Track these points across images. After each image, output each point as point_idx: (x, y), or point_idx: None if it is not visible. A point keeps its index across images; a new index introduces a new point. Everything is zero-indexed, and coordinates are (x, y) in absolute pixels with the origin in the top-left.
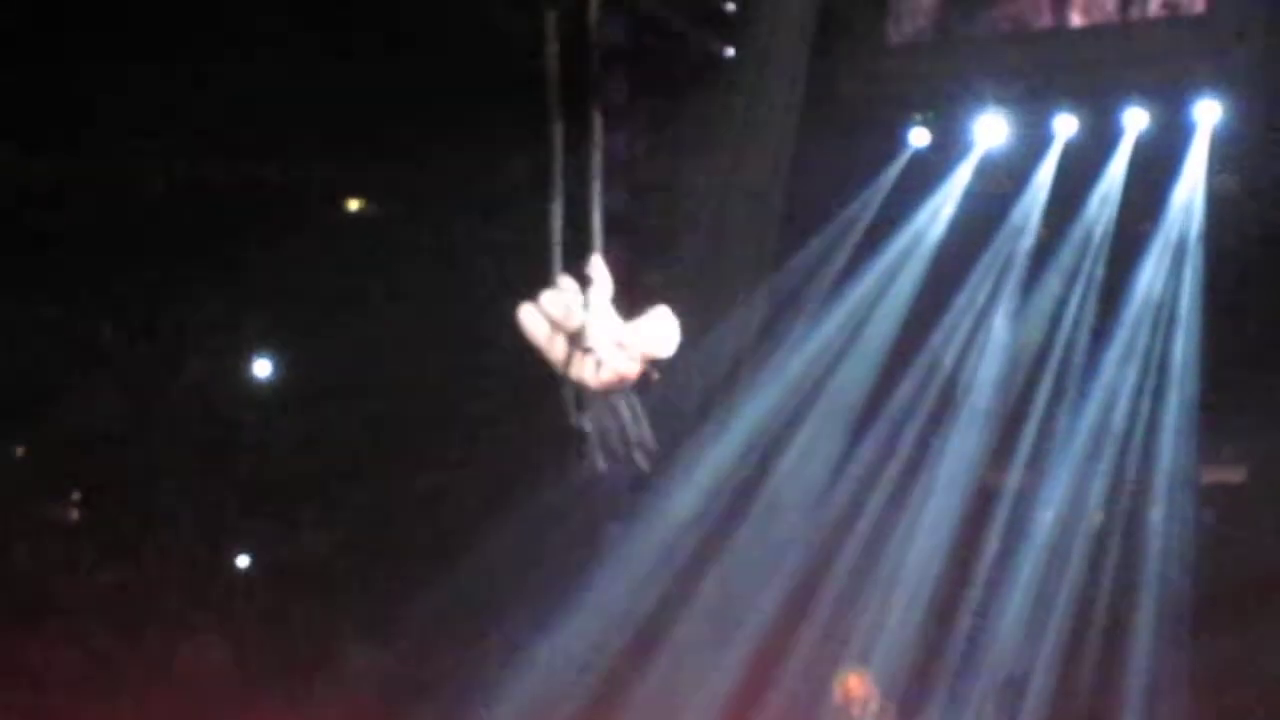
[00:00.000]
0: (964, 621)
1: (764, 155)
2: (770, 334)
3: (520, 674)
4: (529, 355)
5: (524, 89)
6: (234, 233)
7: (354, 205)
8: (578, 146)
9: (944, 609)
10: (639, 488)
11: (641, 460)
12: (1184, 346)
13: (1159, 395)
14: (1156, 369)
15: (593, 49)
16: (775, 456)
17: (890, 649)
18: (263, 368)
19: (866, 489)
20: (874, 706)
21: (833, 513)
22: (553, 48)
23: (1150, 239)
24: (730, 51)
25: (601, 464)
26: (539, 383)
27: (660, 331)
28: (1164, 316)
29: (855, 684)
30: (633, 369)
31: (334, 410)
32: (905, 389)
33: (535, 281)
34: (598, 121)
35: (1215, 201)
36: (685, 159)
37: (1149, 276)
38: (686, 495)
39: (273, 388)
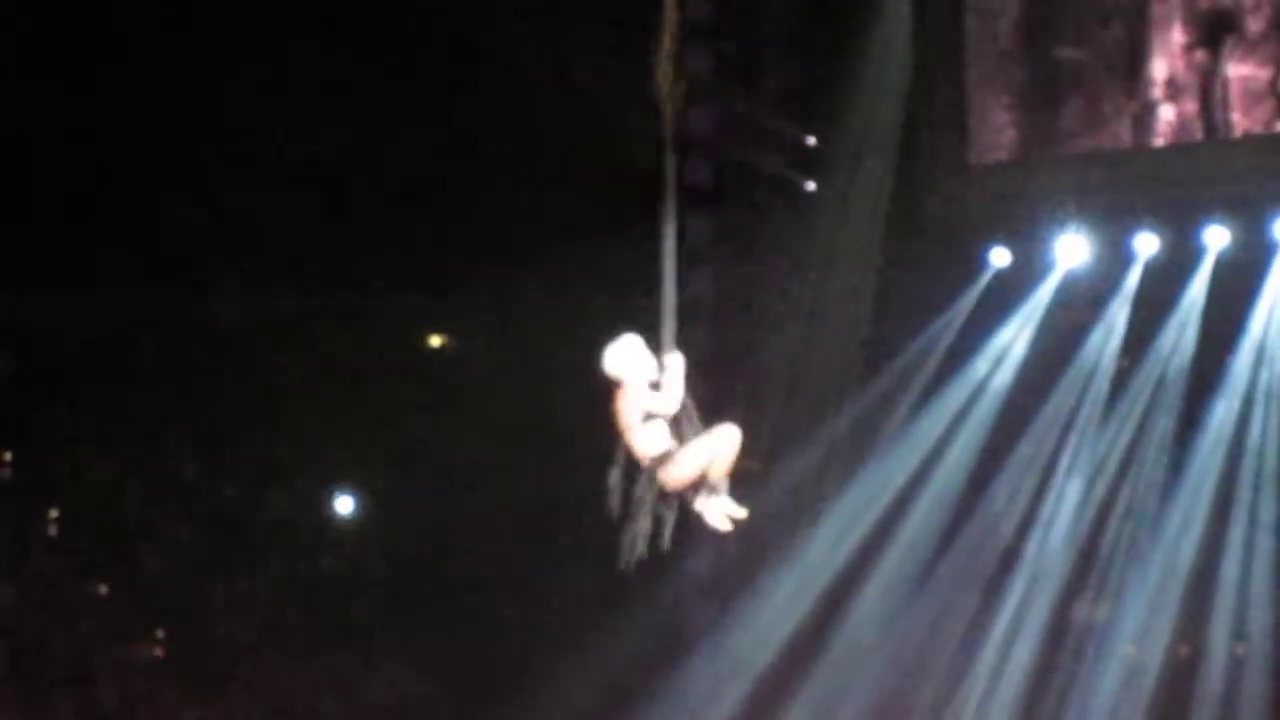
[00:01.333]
0: None
1: (846, 281)
2: (849, 458)
3: None
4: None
5: (601, 229)
6: (316, 367)
7: (435, 341)
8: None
9: None
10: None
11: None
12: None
13: (1237, 525)
14: (1233, 499)
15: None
16: (854, 585)
17: None
18: (344, 503)
19: (945, 620)
20: None
21: (910, 649)
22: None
23: (1229, 362)
24: (812, 185)
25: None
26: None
27: (722, 448)
28: (1243, 442)
29: None
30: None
31: (416, 545)
32: (982, 518)
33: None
34: (670, 219)
35: None
36: (767, 291)
37: (1226, 405)
38: (763, 625)
39: (355, 522)
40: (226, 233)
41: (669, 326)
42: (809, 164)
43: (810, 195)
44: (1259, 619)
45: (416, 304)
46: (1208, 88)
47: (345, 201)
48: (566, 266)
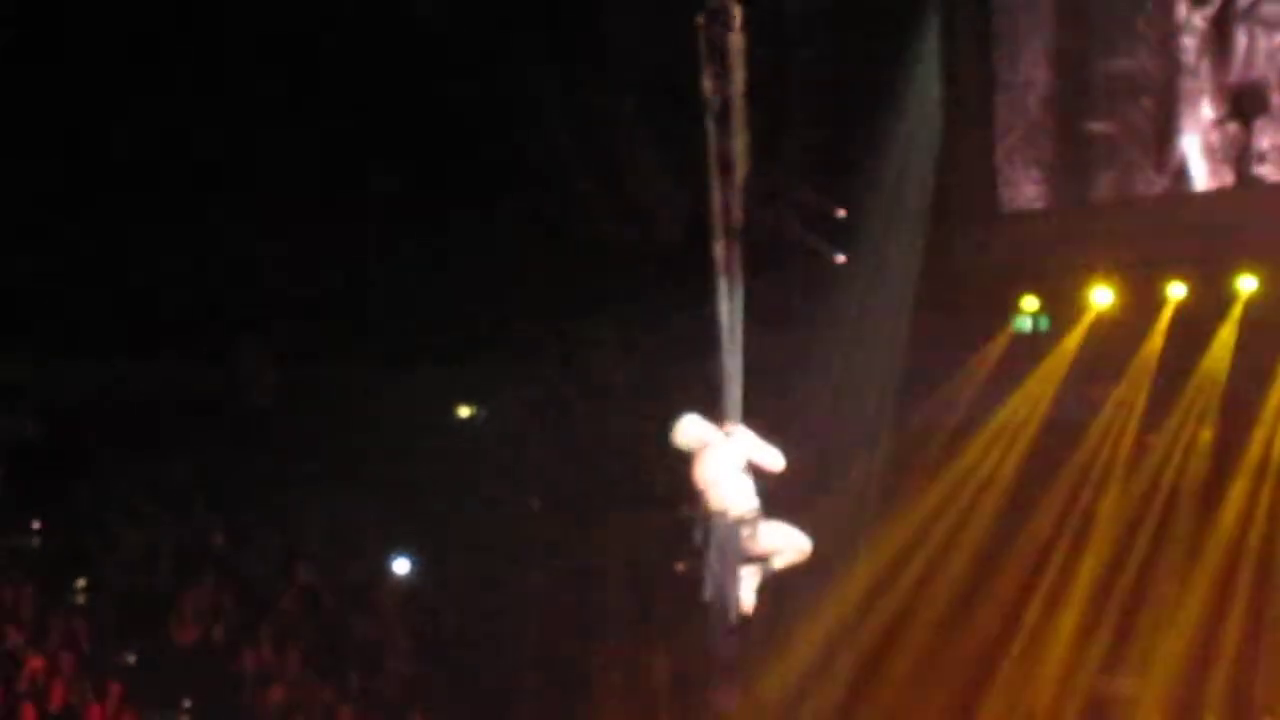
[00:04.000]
0: None
1: (875, 353)
2: (881, 505)
3: None
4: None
5: (626, 296)
6: (343, 438)
7: (464, 411)
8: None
9: None
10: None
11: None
12: None
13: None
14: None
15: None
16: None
17: None
18: (373, 571)
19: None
20: None
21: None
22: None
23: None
24: (842, 258)
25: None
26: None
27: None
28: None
29: None
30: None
31: (446, 614)
32: (1010, 571)
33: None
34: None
35: None
36: (796, 363)
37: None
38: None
39: (385, 592)
40: (254, 304)
41: (734, 395)
42: (838, 235)
43: (839, 267)
44: None
45: (447, 374)
46: (1241, 159)
47: (370, 273)
48: (597, 337)
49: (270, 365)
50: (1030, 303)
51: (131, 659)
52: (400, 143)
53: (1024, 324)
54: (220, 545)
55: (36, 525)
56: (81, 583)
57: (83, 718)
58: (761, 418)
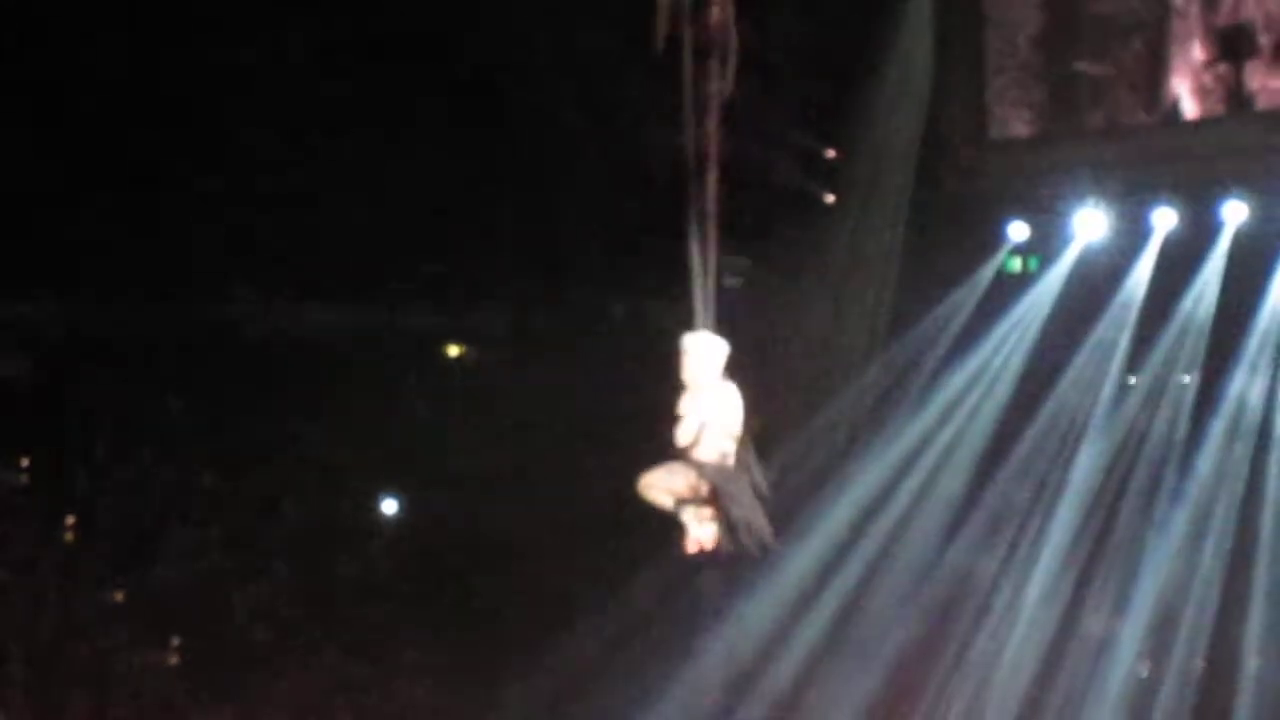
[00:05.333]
0: None
1: (864, 295)
2: (870, 430)
3: None
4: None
5: (620, 233)
6: (334, 377)
7: (454, 351)
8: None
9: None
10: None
11: (756, 549)
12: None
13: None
14: (1249, 494)
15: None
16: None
17: None
18: (364, 511)
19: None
20: None
21: (929, 616)
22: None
23: (1245, 341)
24: (831, 198)
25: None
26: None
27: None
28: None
29: None
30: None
31: (435, 552)
32: (1000, 486)
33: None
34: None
35: None
36: (784, 305)
37: (1242, 384)
38: (797, 567)
39: (372, 531)
40: (247, 242)
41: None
42: (827, 177)
43: (828, 208)
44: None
45: (437, 314)
46: (1231, 101)
47: (364, 212)
48: (586, 276)
49: (259, 304)
50: (1019, 229)
51: (120, 596)
52: (385, 84)
53: (1013, 264)
54: (209, 483)
55: (25, 463)
56: (70, 520)
57: (71, 657)
58: (749, 356)
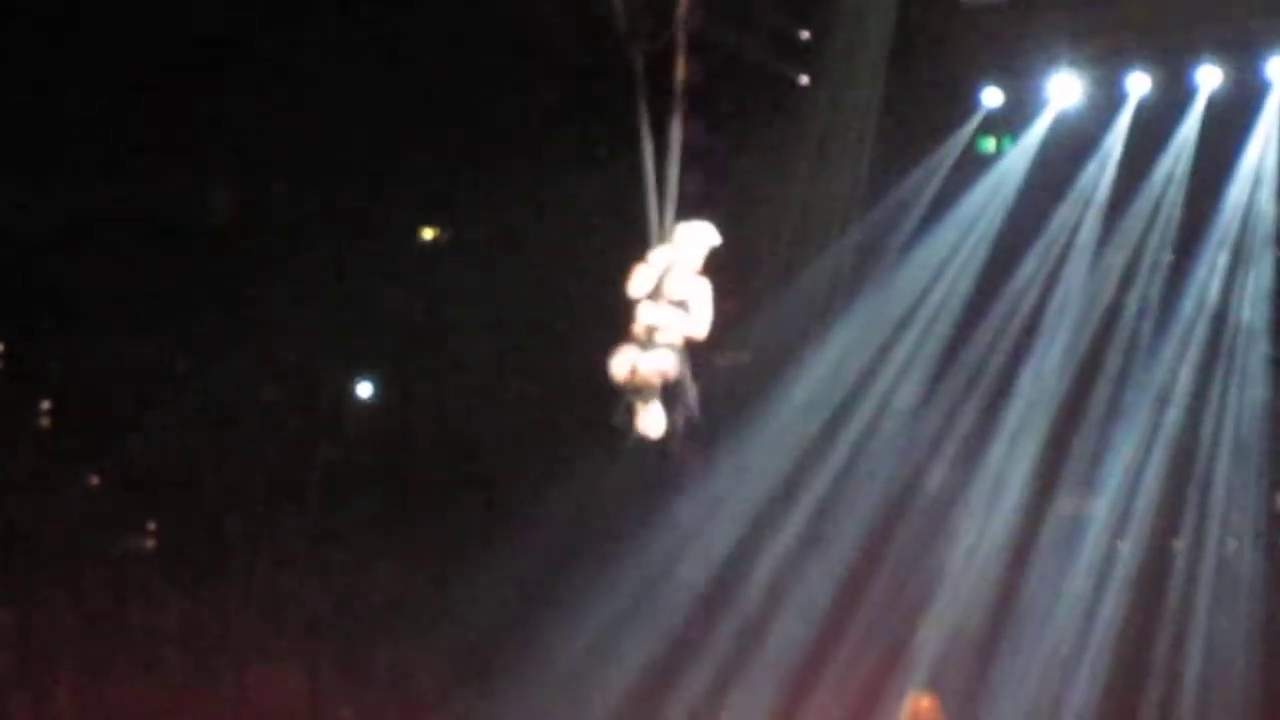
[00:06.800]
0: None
1: (841, 164)
2: (854, 282)
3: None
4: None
5: (591, 118)
6: (307, 261)
7: (428, 233)
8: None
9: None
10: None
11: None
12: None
13: (1227, 406)
14: (1224, 375)
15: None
16: (853, 409)
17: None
18: (339, 395)
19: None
20: None
21: (907, 470)
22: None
23: (1217, 217)
24: (805, 79)
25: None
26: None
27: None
28: (1230, 314)
29: (927, 707)
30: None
31: (409, 436)
32: (978, 345)
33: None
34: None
35: None
36: (760, 185)
37: (1210, 261)
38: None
39: (348, 415)
40: (218, 126)
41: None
42: (802, 58)
43: (802, 89)
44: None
45: (411, 199)
46: None
47: (339, 99)
48: (558, 161)
49: (234, 186)
50: (993, 95)
51: (95, 480)
52: None
53: (986, 144)
54: (184, 368)
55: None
56: (45, 406)
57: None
58: (725, 236)
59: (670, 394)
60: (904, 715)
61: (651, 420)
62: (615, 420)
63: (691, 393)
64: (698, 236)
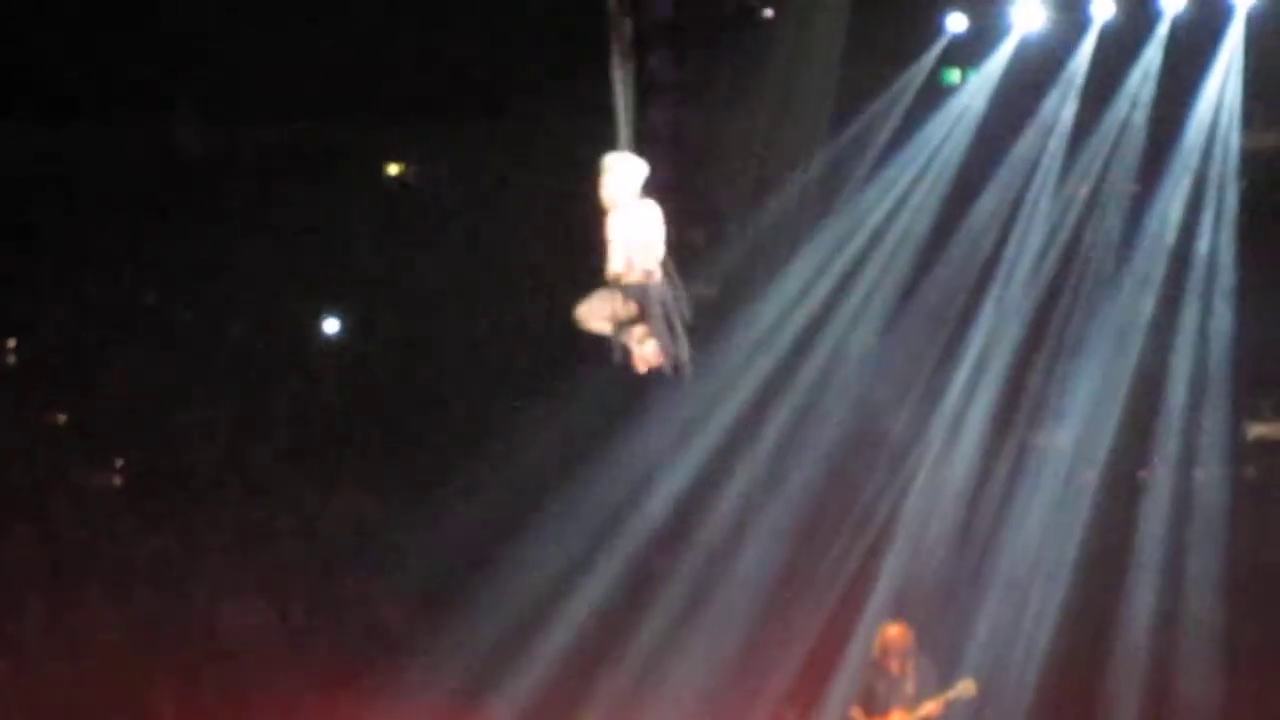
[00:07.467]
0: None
1: (808, 97)
2: (819, 213)
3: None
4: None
5: (559, 52)
6: (274, 197)
7: (394, 170)
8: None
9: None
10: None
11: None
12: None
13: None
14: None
15: None
16: (824, 322)
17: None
18: (306, 331)
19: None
20: (912, 663)
21: (881, 386)
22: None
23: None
24: (769, 12)
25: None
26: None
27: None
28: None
29: (896, 635)
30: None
31: (376, 371)
32: (945, 264)
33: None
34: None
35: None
36: (727, 120)
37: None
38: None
39: (315, 351)
40: (184, 64)
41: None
42: None
43: (768, 23)
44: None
45: (376, 135)
46: None
47: (305, 33)
48: (527, 98)
49: (199, 124)
50: (957, 20)
51: (63, 419)
52: None
53: (951, 77)
54: (151, 303)
55: None
56: (12, 343)
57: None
58: (691, 174)
59: (658, 319)
60: (876, 645)
61: (649, 349)
62: (615, 359)
63: (681, 309)
64: (629, 167)
